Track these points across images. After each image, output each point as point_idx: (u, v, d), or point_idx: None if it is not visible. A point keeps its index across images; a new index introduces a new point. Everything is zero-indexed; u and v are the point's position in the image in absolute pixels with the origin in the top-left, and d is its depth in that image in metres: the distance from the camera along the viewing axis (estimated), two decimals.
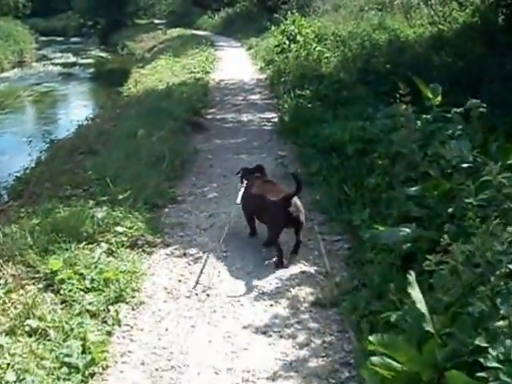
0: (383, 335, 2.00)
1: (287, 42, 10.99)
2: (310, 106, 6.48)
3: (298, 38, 10.85)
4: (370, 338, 1.94)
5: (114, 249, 3.52)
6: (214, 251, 3.59)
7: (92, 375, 2.46)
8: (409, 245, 2.77)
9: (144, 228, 3.83)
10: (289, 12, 13.36)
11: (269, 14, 17.51)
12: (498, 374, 1.72)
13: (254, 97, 9.05)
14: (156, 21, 32.09)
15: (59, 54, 23.04)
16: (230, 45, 17.91)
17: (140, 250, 3.63)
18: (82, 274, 3.14)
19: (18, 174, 5.85)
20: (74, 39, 29.85)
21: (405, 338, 2.09)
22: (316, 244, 3.67)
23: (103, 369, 2.51)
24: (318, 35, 10.70)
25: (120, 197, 4.22)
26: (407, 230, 2.75)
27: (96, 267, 3.21)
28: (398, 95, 3.92)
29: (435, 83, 3.86)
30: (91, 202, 4.14)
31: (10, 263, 3.30)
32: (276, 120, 7.20)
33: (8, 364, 2.41)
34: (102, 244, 3.56)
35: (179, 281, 3.28)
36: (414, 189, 3.00)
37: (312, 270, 3.35)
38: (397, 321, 2.32)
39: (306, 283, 3.20)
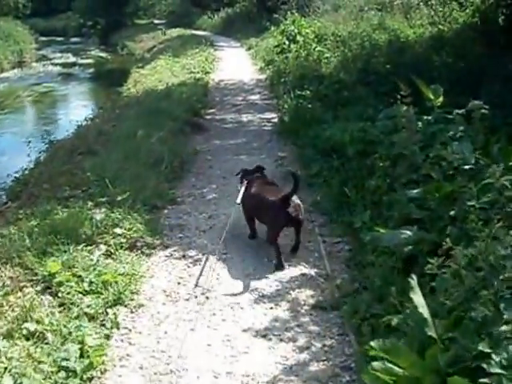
0: (385, 340, 1.97)
1: (287, 43, 10.98)
2: (310, 106, 6.46)
3: (298, 38, 10.83)
4: (372, 343, 1.92)
5: (112, 251, 3.49)
6: (214, 253, 3.57)
7: (90, 379, 2.44)
8: (410, 247, 2.74)
9: (143, 229, 3.81)
10: (288, 12, 13.35)
11: (268, 15, 17.50)
12: (502, 380, 1.70)
13: (253, 97, 9.02)
14: (156, 21, 32.06)
15: (59, 54, 23.03)
16: (229, 45, 17.88)
17: (139, 251, 3.60)
18: (80, 277, 3.12)
19: (17, 175, 5.82)
20: (73, 39, 29.84)
21: (406, 343, 2.07)
22: (316, 246, 3.64)
23: (101, 373, 2.49)
24: (318, 35, 10.68)
25: (119, 198, 4.19)
26: (408, 232, 2.72)
27: (94, 269, 3.18)
28: (398, 96, 3.90)
29: (436, 84, 3.84)
30: (90, 204, 4.11)
31: (8, 265, 3.27)
32: (276, 120, 7.17)
33: (5, 368, 2.38)
34: (101, 246, 3.53)
35: (178, 283, 3.25)
36: (415, 191, 2.97)
37: (312, 272, 3.32)
38: (398, 324, 2.30)
39: (307, 285, 3.18)
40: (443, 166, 2.98)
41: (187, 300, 3.06)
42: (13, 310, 2.83)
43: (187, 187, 4.91)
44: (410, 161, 3.33)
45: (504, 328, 1.85)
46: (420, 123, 3.57)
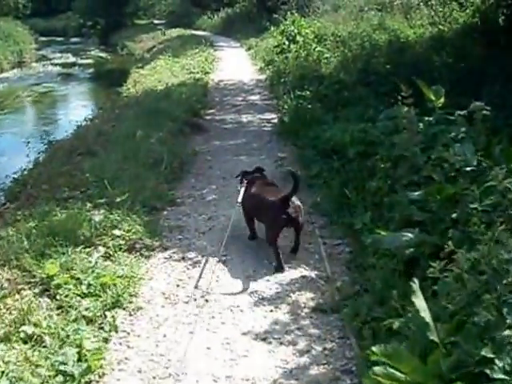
0: (386, 345, 1.95)
1: (287, 43, 10.96)
2: (310, 106, 6.43)
3: (298, 38, 10.82)
4: (373, 348, 1.89)
5: (111, 253, 3.47)
6: (213, 255, 3.54)
7: (88, 383, 2.41)
8: (411, 250, 2.72)
9: (142, 231, 3.78)
10: (288, 12, 13.33)
11: (268, 15, 17.49)
12: None
13: (253, 97, 9.00)
14: (156, 21, 32.06)
15: (59, 55, 23.02)
16: (229, 45, 17.86)
17: (138, 253, 3.57)
18: (78, 279, 3.09)
19: (16, 176, 5.79)
20: (73, 39, 29.85)
21: (408, 347, 2.04)
22: (317, 248, 3.62)
23: (99, 377, 2.46)
24: (318, 36, 10.66)
25: (118, 199, 4.16)
26: (410, 234, 2.69)
27: (93, 272, 3.16)
28: (399, 96, 3.88)
29: (436, 84, 3.82)
30: (89, 205, 4.09)
31: (6, 267, 3.25)
32: (276, 121, 7.15)
33: (2, 372, 2.35)
34: (100, 248, 3.51)
35: (177, 286, 3.22)
36: (416, 193, 2.94)
37: (313, 274, 3.29)
38: (400, 328, 2.27)
39: (307, 288, 3.15)
40: (445, 167, 2.96)
41: (186, 303, 3.04)
42: (10, 313, 2.80)
43: (187, 188, 4.88)
44: (411, 162, 3.30)
45: (507, 333, 1.83)
46: (421, 124, 3.55)
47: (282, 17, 13.64)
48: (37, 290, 3.05)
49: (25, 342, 2.61)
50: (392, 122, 3.93)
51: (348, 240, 3.64)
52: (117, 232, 3.67)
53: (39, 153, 6.49)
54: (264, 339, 2.70)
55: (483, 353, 1.82)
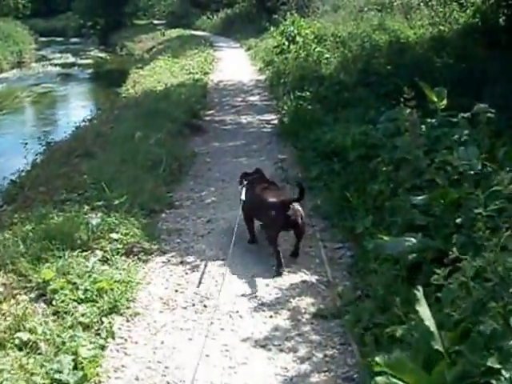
0: (389, 355, 1.90)
1: (286, 43, 10.92)
2: (310, 107, 6.39)
3: (298, 38, 10.78)
4: (377, 358, 1.84)
5: (108, 256, 3.41)
6: (212, 259, 3.49)
7: None
8: (414, 255, 2.66)
9: (140, 234, 3.73)
10: (288, 13, 13.29)
11: (268, 15, 17.46)
12: None
13: (253, 98, 8.95)
14: (155, 21, 32.02)
15: (58, 55, 22.99)
16: (229, 45, 17.83)
17: (136, 257, 3.52)
18: (75, 284, 3.04)
19: (13, 178, 5.73)
20: (73, 40, 29.82)
21: (411, 356, 1.99)
22: (317, 251, 3.56)
23: None
24: (318, 36, 10.62)
25: (116, 202, 4.11)
26: (413, 239, 2.64)
27: (90, 276, 3.10)
28: (400, 98, 3.82)
29: (437, 85, 3.77)
30: (86, 208, 4.04)
31: (2, 272, 3.20)
32: (275, 122, 7.10)
33: None
34: (97, 251, 3.45)
35: (176, 291, 3.17)
36: (420, 198, 2.89)
37: (313, 279, 3.24)
38: (403, 336, 2.22)
39: (307, 293, 3.10)
40: (448, 171, 2.91)
41: (185, 308, 2.98)
42: (5, 319, 2.75)
43: (185, 190, 4.83)
44: (413, 165, 3.25)
45: None
46: (423, 126, 3.49)
47: (281, 17, 13.61)
48: (33, 295, 2.99)
49: (20, 349, 2.56)
50: (393, 124, 3.88)
51: (349, 244, 3.59)
52: (114, 235, 3.62)
53: (37, 154, 6.43)
54: (264, 346, 2.65)
55: (489, 363, 1.77)
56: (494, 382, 1.71)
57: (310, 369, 2.50)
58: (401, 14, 10.61)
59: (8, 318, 2.75)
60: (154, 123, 6.53)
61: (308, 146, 5.31)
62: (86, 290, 2.98)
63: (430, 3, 9.97)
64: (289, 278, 3.25)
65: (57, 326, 2.72)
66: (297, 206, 3.40)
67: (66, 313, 2.82)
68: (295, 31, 11.20)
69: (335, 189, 4.15)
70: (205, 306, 2.99)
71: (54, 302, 2.91)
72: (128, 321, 2.88)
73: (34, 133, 9.55)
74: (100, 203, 4.12)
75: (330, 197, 4.13)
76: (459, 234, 2.46)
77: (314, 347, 2.64)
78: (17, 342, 2.59)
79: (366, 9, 11.98)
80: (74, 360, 2.46)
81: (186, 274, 3.36)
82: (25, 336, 2.62)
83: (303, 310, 2.93)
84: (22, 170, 5.89)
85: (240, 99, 8.91)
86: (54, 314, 2.83)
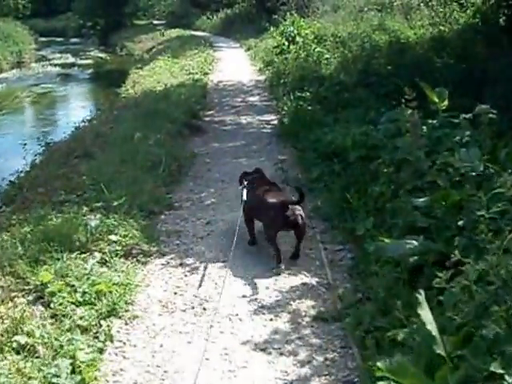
0: (391, 359, 1.87)
1: (286, 43, 10.90)
2: (310, 108, 6.37)
3: (298, 39, 10.76)
4: (378, 363, 1.81)
5: (107, 259, 3.38)
6: (212, 261, 3.46)
7: None
8: (416, 258, 2.64)
9: (139, 236, 3.70)
10: (288, 13, 13.27)
11: (268, 15, 17.44)
12: None
13: (252, 99, 8.93)
14: (155, 21, 32.00)
15: (58, 55, 22.99)
16: (228, 46, 17.81)
17: (134, 259, 3.49)
18: (73, 286, 3.01)
19: (12, 179, 5.71)
20: (73, 40, 29.83)
21: (413, 360, 1.97)
22: (317, 253, 3.54)
23: None
24: (318, 36, 10.59)
25: (115, 203, 4.09)
26: (414, 242, 2.61)
27: (88, 279, 3.07)
28: (401, 98, 3.80)
29: (438, 86, 3.74)
30: (85, 209, 4.01)
31: None
32: (275, 122, 7.08)
33: None
34: (95, 253, 3.43)
35: (175, 293, 3.14)
36: (421, 200, 2.86)
37: (313, 281, 3.22)
38: (404, 339, 2.20)
39: (308, 296, 3.07)
40: (450, 172, 2.88)
41: (184, 311, 2.96)
42: (3, 322, 2.72)
43: (185, 191, 4.80)
44: (414, 167, 3.22)
45: None
46: (424, 127, 3.47)
47: (281, 17, 13.58)
48: (30, 298, 2.97)
49: (17, 353, 2.53)
50: (394, 125, 3.85)
51: (350, 245, 3.56)
52: (113, 237, 3.59)
53: (36, 155, 6.41)
54: (264, 349, 2.62)
55: (492, 368, 1.74)
56: None
57: (311, 372, 2.47)
58: (401, 14, 10.58)
59: (5, 321, 2.72)
60: (153, 124, 6.50)
61: (308, 147, 5.28)
62: (84, 293, 2.96)
63: (430, 3, 9.94)
64: (289, 281, 3.23)
65: (55, 329, 2.69)
66: (296, 206, 3.39)
67: (64, 316, 2.79)
68: (295, 31, 11.18)
69: (336, 190, 4.12)
70: (204, 309, 2.96)
71: (51, 305, 2.88)
72: (127, 324, 2.86)
73: (33, 133, 9.53)
74: (99, 204, 4.10)
75: (330, 198, 4.10)
76: (461, 237, 2.44)
77: (315, 350, 2.61)
78: (14, 345, 2.56)
79: (365, 9, 11.95)
80: (71, 364, 2.44)
81: (186, 276, 3.33)
82: (22, 339, 2.59)
83: (303, 313, 2.90)
84: (21, 171, 5.87)
85: (240, 99, 8.89)
86: (51, 317, 2.81)
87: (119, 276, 3.18)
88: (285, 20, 12.63)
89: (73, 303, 2.88)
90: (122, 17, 30.70)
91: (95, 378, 2.42)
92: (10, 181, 5.66)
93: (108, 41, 27.55)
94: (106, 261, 3.37)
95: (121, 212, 3.94)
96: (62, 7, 35.03)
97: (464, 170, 2.75)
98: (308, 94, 6.90)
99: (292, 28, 11.43)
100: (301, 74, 8.18)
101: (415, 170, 3.20)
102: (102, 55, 23.51)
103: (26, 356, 2.50)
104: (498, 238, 2.14)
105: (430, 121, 3.56)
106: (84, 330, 2.71)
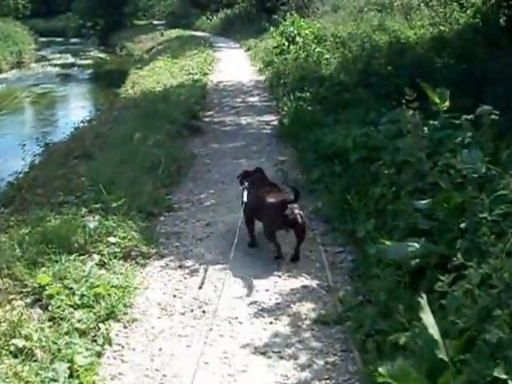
0: (393, 364, 1.84)
1: (286, 44, 10.87)
2: (310, 108, 6.34)
3: (297, 39, 10.73)
4: (380, 369, 1.78)
5: (106, 261, 3.36)
6: (211, 263, 3.44)
7: None
8: (417, 260, 2.61)
9: (138, 238, 3.67)
10: (288, 13, 13.24)
11: (268, 15, 17.41)
12: None
13: (252, 99, 8.91)
14: (155, 22, 32.01)
15: (58, 55, 22.99)
16: (228, 46, 17.78)
17: (133, 261, 3.47)
18: (71, 289, 2.98)
19: (11, 179, 5.68)
20: (73, 40, 29.84)
21: (415, 364, 1.94)
22: (318, 256, 3.51)
23: None
24: (318, 36, 10.57)
25: (114, 204, 4.06)
26: (416, 244, 2.58)
27: (86, 281, 3.05)
28: (402, 99, 3.77)
29: (438, 86, 3.71)
30: (84, 210, 3.99)
31: None
32: (275, 123, 7.06)
33: None
34: (94, 255, 3.40)
35: (174, 296, 3.11)
36: (423, 202, 2.83)
37: (314, 283, 3.19)
38: (406, 343, 2.17)
39: (308, 298, 3.04)
40: (452, 174, 2.85)
41: (183, 314, 2.93)
42: (0, 325, 2.70)
43: (184, 193, 4.78)
44: (415, 168, 3.19)
45: None
46: (425, 128, 3.44)
47: (281, 17, 13.56)
48: (28, 301, 2.94)
49: (15, 356, 2.50)
50: (395, 126, 3.83)
51: (350, 248, 3.54)
52: (112, 239, 3.57)
53: (35, 155, 6.38)
54: (263, 353, 2.59)
55: (495, 373, 1.72)
56: None
57: (311, 376, 2.45)
58: (401, 14, 10.56)
59: (3, 324, 2.69)
60: (153, 124, 6.48)
61: (308, 148, 5.26)
62: (82, 296, 2.93)
63: (430, 3, 9.92)
64: (289, 283, 3.20)
65: (53, 332, 2.66)
66: (295, 204, 3.39)
67: (62, 319, 2.76)
68: (295, 31, 11.16)
69: (336, 191, 4.09)
70: (203, 312, 2.94)
71: (50, 308, 2.85)
72: (125, 327, 2.83)
73: (33, 133, 9.51)
74: (98, 206, 4.07)
75: (330, 200, 4.07)
76: (463, 239, 2.41)
77: (315, 354, 2.59)
78: (12, 348, 2.53)
79: (365, 9, 11.93)
80: (69, 368, 2.41)
81: (185, 278, 3.31)
82: (20, 343, 2.57)
83: (304, 316, 2.88)
84: (20, 172, 5.84)
85: (239, 100, 8.87)
86: (49, 320, 2.78)
87: (118, 278, 3.15)
88: (285, 20, 12.61)
89: (71, 306, 2.85)
90: (122, 17, 30.69)
91: (93, 383, 2.40)
92: (8, 182, 5.63)
93: (108, 41, 27.55)
94: (105, 263, 3.34)
95: (120, 213, 3.91)
96: (62, 7, 35.04)
97: (466, 171, 2.73)
98: (308, 94, 6.87)
99: (292, 28, 11.41)
100: (301, 75, 8.16)
101: (416, 172, 3.17)
102: (102, 55, 23.50)
103: (23, 360, 2.47)
104: (501, 240, 2.11)
105: (431, 122, 3.54)
106: (82, 334, 2.69)
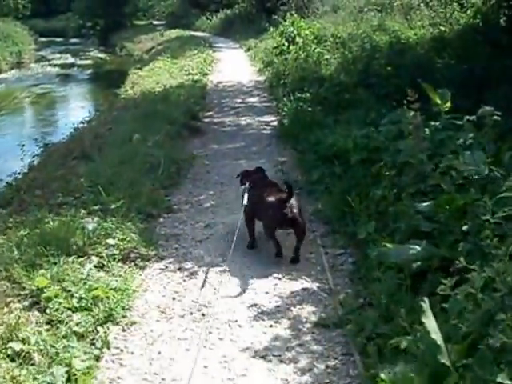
0: (395, 369, 1.82)
1: (286, 44, 10.85)
2: (310, 109, 6.32)
3: (297, 39, 10.71)
4: (382, 375, 1.76)
5: (104, 263, 3.33)
6: (211, 265, 3.41)
7: None
8: (419, 263, 2.58)
9: (137, 240, 3.64)
10: (287, 13, 13.21)
11: (267, 16, 17.42)
12: None
13: (252, 99, 8.89)
14: (155, 22, 32.04)
15: (58, 55, 23.00)
16: (228, 46, 17.77)
17: (132, 263, 3.44)
18: (69, 291, 2.95)
19: (9, 180, 5.65)
20: (73, 40, 29.85)
21: (417, 369, 1.92)
22: (318, 258, 3.48)
23: None
24: (318, 37, 10.55)
25: (113, 206, 4.03)
26: (417, 247, 2.56)
27: (85, 284, 3.02)
28: (402, 99, 3.74)
29: (439, 86, 3.69)
30: (82, 212, 3.96)
31: None
32: (275, 124, 7.03)
33: None
34: (93, 257, 3.37)
35: (173, 298, 3.08)
36: (425, 204, 2.80)
37: (314, 286, 3.16)
38: (407, 347, 2.14)
39: (308, 301, 3.01)
40: (453, 176, 2.82)
41: (182, 317, 2.90)
42: None
43: (184, 194, 4.75)
44: (417, 170, 3.17)
45: None
46: (427, 130, 3.41)
47: (281, 18, 13.53)
48: (26, 303, 2.91)
49: (12, 360, 2.47)
50: (396, 127, 3.80)
51: (351, 250, 3.51)
52: (111, 241, 3.53)
53: (34, 156, 6.36)
54: (263, 357, 2.56)
55: (499, 379, 1.69)
56: None
57: (312, 380, 2.42)
58: (401, 14, 10.54)
59: (0, 327, 2.67)
60: (152, 125, 6.46)
61: (308, 149, 5.23)
62: (80, 298, 2.90)
63: (430, 4, 9.91)
64: (289, 286, 3.17)
65: (50, 335, 2.63)
66: (293, 202, 3.37)
67: (60, 322, 2.73)
68: (295, 32, 11.13)
69: (336, 193, 4.06)
70: (203, 315, 2.91)
71: (47, 311, 2.82)
72: (124, 330, 2.80)
73: (32, 134, 9.49)
74: (96, 207, 4.05)
75: (331, 201, 4.04)
76: (465, 242, 2.39)
77: (316, 358, 2.56)
78: (9, 352, 2.50)
79: (365, 9, 11.91)
80: (67, 372, 2.38)
81: (184, 281, 3.28)
82: (17, 346, 2.53)
83: (304, 319, 2.85)
84: (19, 173, 5.81)
85: (239, 100, 8.84)
86: (47, 323, 2.75)
87: (116, 281, 3.12)
88: (285, 20, 12.58)
89: (69, 309, 2.83)
90: (122, 17, 30.71)
91: None
92: (7, 182, 5.60)
93: (108, 41, 27.55)
94: (104, 265, 3.31)
95: (119, 215, 3.88)
96: (62, 7, 35.06)
97: (468, 173, 2.70)
98: (308, 94, 6.85)
99: (292, 28, 11.38)
100: (301, 75, 8.14)
101: (418, 173, 3.15)
102: (102, 55, 23.49)
103: (20, 363, 2.44)
104: (504, 243, 2.09)
105: (433, 123, 3.51)
106: (80, 337, 2.66)
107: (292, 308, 2.95)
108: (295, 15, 12.67)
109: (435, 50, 7.34)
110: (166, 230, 3.97)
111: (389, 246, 2.70)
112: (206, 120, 7.52)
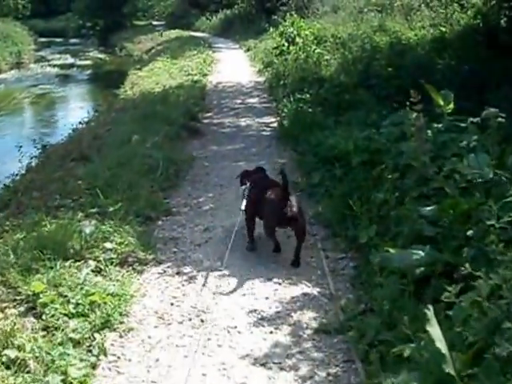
0: (397, 378, 1.77)
1: (286, 44, 10.80)
2: (310, 110, 6.27)
3: (297, 39, 10.66)
4: (385, 383, 1.71)
5: (102, 267, 3.28)
6: (210, 270, 3.36)
7: None
8: (422, 269, 2.53)
9: (135, 243, 3.59)
10: (287, 14, 13.17)
11: (267, 16, 17.37)
12: None
13: (252, 100, 8.84)
14: (155, 22, 32.01)
15: (57, 56, 22.96)
16: (228, 46, 17.72)
17: (130, 268, 3.38)
18: (66, 297, 2.90)
19: (7, 182, 5.60)
20: (73, 40, 29.82)
21: (420, 378, 1.87)
22: (319, 262, 3.43)
23: None
24: (318, 37, 10.50)
25: (110, 209, 3.99)
26: (420, 252, 2.50)
27: (82, 289, 2.96)
28: (404, 101, 3.69)
29: (440, 87, 3.64)
30: (80, 214, 3.91)
31: None
32: (275, 125, 6.98)
33: None
34: (90, 262, 3.32)
35: (171, 304, 3.03)
36: (428, 209, 2.75)
37: (315, 291, 3.11)
38: (411, 355, 2.09)
39: (309, 306, 2.96)
40: (457, 179, 2.77)
41: (181, 323, 2.84)
42: None
43: (183, 196, 4.69)
44: (419, 173, 3.11)
45: None
46: (429, 131, 3.36)
47: (281, 18, 13.49)
48: (22, 309, 2.86)
49: (7, 367, 2.42)
50: (398, 129, 3.75)
51: (352, 254, 3.45)
52: (108, 245, 3.48)
53: (32, 158, 6.31)
54: (263, 364, 2.51)
55: None
56: None
57: None
58: (401, 15, 10.50)
59: None
60: (151, 126, 6.42)
61: (308, 150, 5.18)
62: (77, 304, 2.85)
63: (430, 4, 9.87)
64: (289, 291, 3.12)
65: (46, 342, 2.58)
66: (294, 201, 3.34)
67: (56, 328, 2.68)
68: (295, 32, 11.09)
69: (337, 196, 4.00)
70: (202, 321, 2.85)
71: (43, 317, 2.77)
72: (121, 337, 2.74)
73: (31, 134, 9.42)
74: (94, 210, 4.00)
75: (331, 204, 3.98)
76: (470, 247, 2.33)
77: (317, 365, 2.51)
78: (4, 359, 2.45)
79: (366, 10, 11.87)
80: (63, 380, 2.34)
81: (183, 285, 3.22)
82: (13, 353, 2.48)
83: (305, 325, 2.79)
84: (17, 174, 5.77)
85: (239, 101, 8.79)
86: (43, 330, 2.69)
87: (114, 286, 3.07)
88: (284, 21, 12.54)
89: (65, 315, 2.77)
90: (122, 17, 30.66)
91: None
92: (4, 184, 5.55)
93: (107, 41, 27.50)
94: (101, 269, 3.26)
95: (116, 218, 3.83)
96: (62, 7, 35.04)
97: (472, 176, 2.65)
98: (308, 95, 6.80)
99: (292, 29, 11.34)
100: (301, 76, 8.09)
101: (420, 176, 3.09)
102: (102, 56, 23.46)
103: (15, 371, 2.39)
104: (510, 249, 2.04)
105: (435, 124, 3.45)
106: (77, 344, 2.61)
107: (292, 314, 2.89)
108: (295, 15, 12.63)
109: (436, 50, 7.30)
110: (164, 234, 3.92)
111: (391, 250, 2.65)
112: (206, 121, 7.47)
